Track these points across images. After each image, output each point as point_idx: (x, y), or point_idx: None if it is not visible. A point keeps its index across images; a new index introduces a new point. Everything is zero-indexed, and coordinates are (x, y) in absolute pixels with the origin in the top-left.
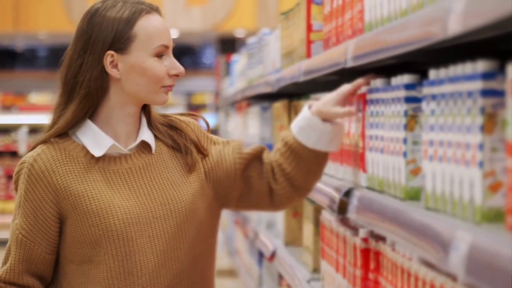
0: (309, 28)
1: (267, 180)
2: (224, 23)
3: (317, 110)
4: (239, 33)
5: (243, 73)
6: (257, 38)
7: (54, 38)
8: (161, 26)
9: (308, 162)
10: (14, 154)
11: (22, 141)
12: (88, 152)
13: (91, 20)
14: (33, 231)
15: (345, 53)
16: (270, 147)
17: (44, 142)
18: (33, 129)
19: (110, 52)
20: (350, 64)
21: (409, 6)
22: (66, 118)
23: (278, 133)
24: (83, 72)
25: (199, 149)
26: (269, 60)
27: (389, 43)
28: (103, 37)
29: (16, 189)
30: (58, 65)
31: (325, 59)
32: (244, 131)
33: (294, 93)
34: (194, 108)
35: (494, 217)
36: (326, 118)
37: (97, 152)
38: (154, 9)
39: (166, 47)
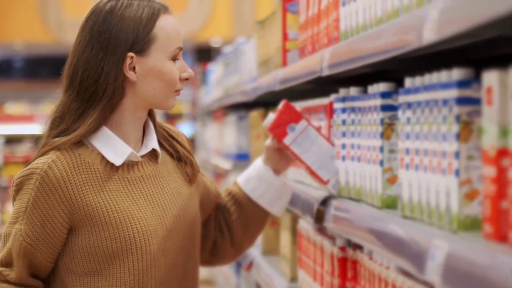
0: (285, 36)
1: (218, 226)
2: (200, 32)
3: (267, 157)
4: (215, 42)
5: (220, 82)
6: (233, 47)
7: (30, 48)
8: (177, 28)
9: (248, 216)
10: None
11: None
12: (103, 159)
13: (108, 18)
14: (38, 240)
15: (320, 62)
16: (246, 156)
17: (57, 148)
18: (9, 140)
19: (130, 53)
20: (326, 72)
21: (384, 15)
22: (88, 124)
23: (255, 142)
24: (106, 75)
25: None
26: (246, 69)
27: (365, 51)
28: (124, 37)
29: (16, 192)
30: (62, 66)
31: (301, 67)
32: (221, 140)
33: (270, 102)
34: (171, 118)
35: (471, 225)
36: (279, 171)
37: (117, 161)
38: (168, 9)
39: (181, 49)
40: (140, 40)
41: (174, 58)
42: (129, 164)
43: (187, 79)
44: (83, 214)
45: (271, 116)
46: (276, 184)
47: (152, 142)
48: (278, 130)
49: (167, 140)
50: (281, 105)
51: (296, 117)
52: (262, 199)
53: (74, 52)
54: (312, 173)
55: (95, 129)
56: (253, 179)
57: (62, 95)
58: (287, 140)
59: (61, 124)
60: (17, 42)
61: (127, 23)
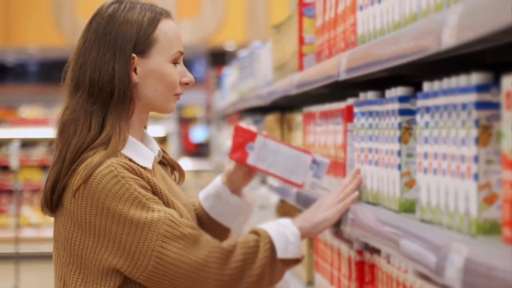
0: (301, 41)
1: None
2: (214, 36)
3: (227, 178)
4: (229, 46)
5: (235, 86)
6: (248, 51)
7: (45, 52)
8: (178, 32)
9: (210, 230)
10: (5, 169)
11: (14, 155)
12: (134, 164)
13: (112, 20)
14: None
15: (338, 66)
16: None
17: (102, 162)
18: (24, 144)
19: (133, 54)
20: (343, 76)
21: (402, 19)
22: (121, 136)
23: None
24: (119, 74)
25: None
26: (261, 73)
27: (382, 56)
28: (129, 38)
29: (104, 207)
30: (65, 69)
31: (317, 72)
32: None
33: (286, 106)
34: (185, 121)
35: (490, 229)
36: (238, 189)
37: (148, 164)
38: (170, 14)
39: (181, 53)
40: (141, 41)
41: (174, 62)
42: (146, 168)
43: (187, 83)
44: (163, 199)
45: (228, 143)
46: (234, 202)
47: (155, 145)
48: (239, 154)
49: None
50: (233, 130)
51: (251, 135)
52: (221, 217)
53: (78, 54)
54: (286, 181)
55: (126, 138)
56: (210, 198)
57: (68, 97)
58: (250, 160)
59: (71, 128)
60: (31, 46)
61: (130, 25)
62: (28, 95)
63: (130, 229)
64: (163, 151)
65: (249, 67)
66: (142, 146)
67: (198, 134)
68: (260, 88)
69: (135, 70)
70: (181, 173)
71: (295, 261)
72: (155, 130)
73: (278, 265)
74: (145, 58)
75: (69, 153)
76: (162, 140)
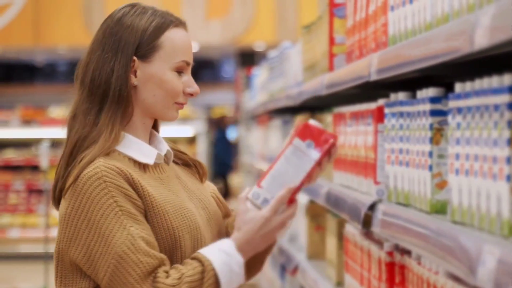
0: (331, 41)
1: None
2: (243, 36)
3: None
4: (258, 46)
5: (264, 86)
6: (278, 52)
7: (74, 52)
8: (187, 42)
9: None
10: (35, 168)
11: (44, 155)
12: (135, 162)
13: (120, 22)
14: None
15: (369, 66)
16: None
17: (91, 161)
18: (54, 143)
19: (134, 57)
20: (374, 77)
21: (433, 20)
22: (112, 135)
23: None
24: (117, 74)
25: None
26: (291, 73)
27: (413, 57)
28: (132, 40)
29: (83, 207)
30: (77, 64)
31: (348, 72)
32: (265, 144)
33: (316, 107)
34: (214, 122)
35: None
36: None
37: (149, 161)
38: (182, 24)
39: (188, 64)
40: (144, 45)
41: (178, 71)
42: (155, 166)
43: (191, 94)
44: (147, 202)
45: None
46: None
47: (164, 145)
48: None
49: (172, 148)
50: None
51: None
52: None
53: (87, 52)
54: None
55: (119, 135)
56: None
57: (75, 95)
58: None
59: (74, 126)
60: (61, 46)
61: (136, 28)
62: (57, 95)
63: (98, 237)
64: (182, 152)
65: (278, 67)
66: (143, 144)
67: (227, 134)
68: (290, 88)
69: (135, 73)
70: (203, 171)
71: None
72: (183, 130)
73: None
74: (146, 62)
75: (67, 151)
76: (190, 140)
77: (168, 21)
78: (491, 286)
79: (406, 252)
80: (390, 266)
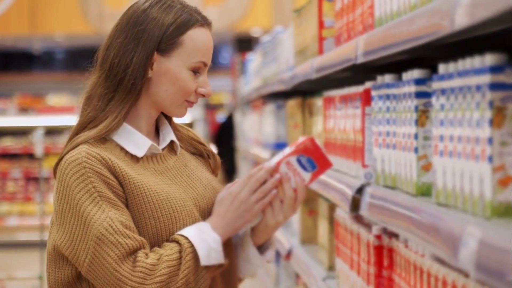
0: (321, 24)
1: None
2: (240, 22)
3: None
4: (255, 32)
5: (258, 71)
6: (271, 36)
7: (71, 40)
8: (208, 43)
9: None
10: (31, 156)
11: (38, 143)
12: (127, 153)
13: (147, 12)
14: (128, 218)
15: (355, 49)
16: (284, 146)
17: (85, 141)
18: (50, 131)
19: (154, 51)
20: (360, 60)
21: (418, 1)
22: (114, 120)
23: (292, 131)
24: (135, 65)
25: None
26: (283, 58)
27: (398, 37)
28: (156, 35)
29: (64, 192)
30: (97, 49)
31: (336, 55)
32: (260, 130)
33: (308, 91)
34: (211, 108)
35: (504, 212)
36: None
37: (138, 152)
38: (208, 24)
39: (205, 65)
40: (166, 40)
41: (194, 71)
42: (152, 157)
43: (203, 95)
44: (129, 190)
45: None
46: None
47: (170, 135)
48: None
49: (185, 136)
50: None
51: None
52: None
53: (110, 35)
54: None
55: (119, 124)
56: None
57: (94, 74)
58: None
59: (87, 107)
60: (58, 34)
61: (161, 23)
62: (54, 83)
63: (79, 220)
64: (200, 143)
65: (271, 52)
66: (138, 135)
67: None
68: (282, 73)
69: (151, 65)
70: (216, 164)
71: (219, 267)
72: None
73: (202, 273)
74: (165, 57)
75: (74, 130)
76: (188, 126)
77: (194, 20)
78: (472, 267)
79: (394, 235)
80: (379, 249)
